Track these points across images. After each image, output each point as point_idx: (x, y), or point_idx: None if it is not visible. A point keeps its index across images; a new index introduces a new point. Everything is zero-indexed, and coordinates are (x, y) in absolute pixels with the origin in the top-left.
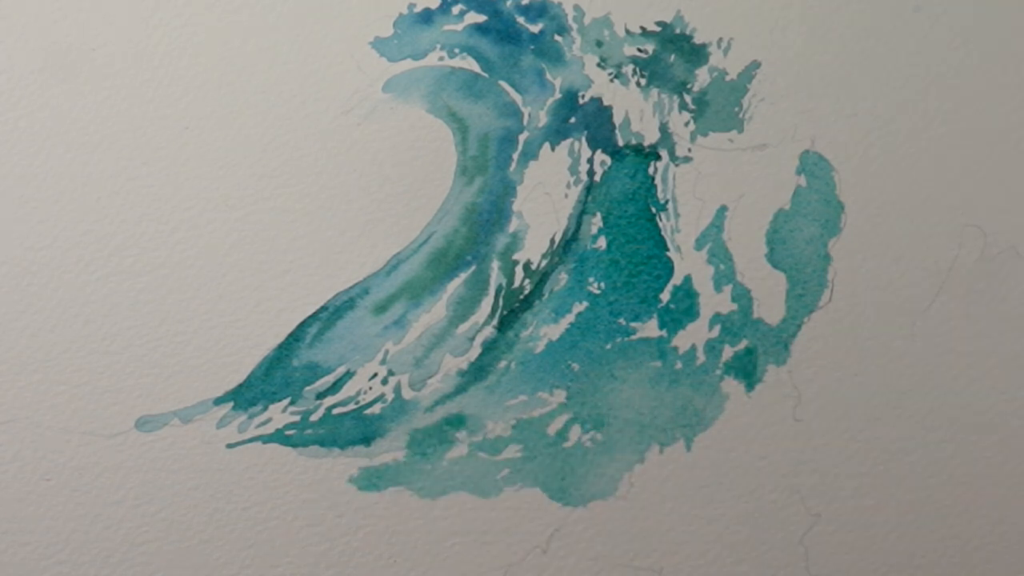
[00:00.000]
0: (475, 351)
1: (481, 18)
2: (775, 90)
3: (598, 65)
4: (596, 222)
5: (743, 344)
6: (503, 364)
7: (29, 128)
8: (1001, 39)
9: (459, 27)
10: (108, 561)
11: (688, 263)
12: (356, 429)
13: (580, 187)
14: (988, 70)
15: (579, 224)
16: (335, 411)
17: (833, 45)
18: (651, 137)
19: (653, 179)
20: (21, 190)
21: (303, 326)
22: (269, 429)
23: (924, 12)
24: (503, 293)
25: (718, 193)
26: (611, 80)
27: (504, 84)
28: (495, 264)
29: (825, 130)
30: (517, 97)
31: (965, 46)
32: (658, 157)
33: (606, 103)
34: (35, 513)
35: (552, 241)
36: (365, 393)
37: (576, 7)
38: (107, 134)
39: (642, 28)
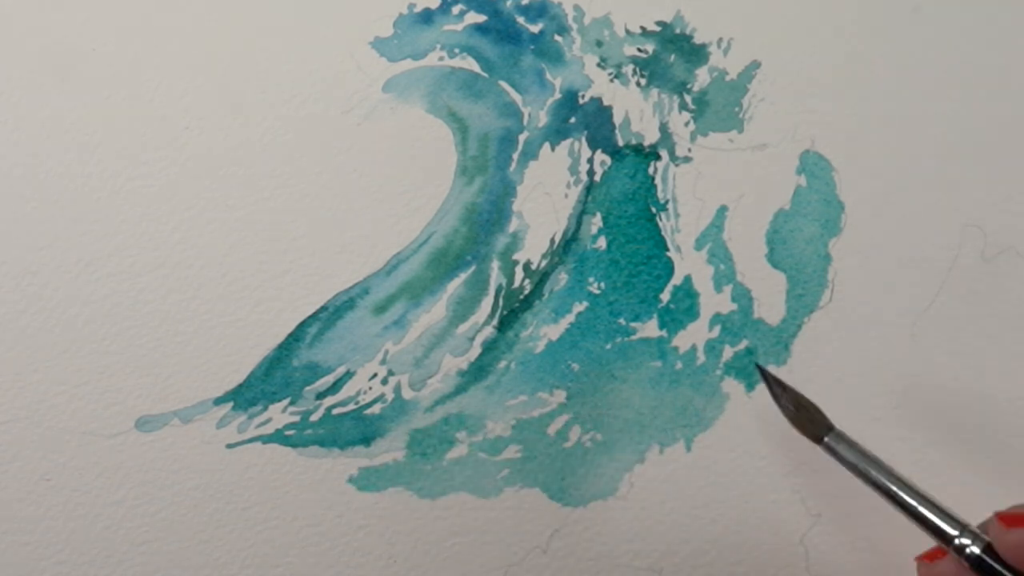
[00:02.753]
0: (475, 351)
1: (481, 18)
2: (775, 90)
3: (598, 65)
4: (596, 222)
5: (743, 344)
6: (503, 364)
7: (29, 128)
8: (1001, 39)
9: (459, 27)
10: (108, 561)
11: (688, 263)
12: (356, 429)
13: (580, 187)
14: (988, 70)
15: (579, 224)
16: (335, 411)
17: (833, 45)
18: (651, 137)
19: (653, 179)
20: (21, 190)
21: (303, 326)
22: (269, 429)
23: (924, 12)
24: (503, 293)
25: (718, 193)
26: (611, 80)
27: (504, 84)
28: (495, 264)
29: (825, 130)
30: (517, 97)
31: (965, 46)
32: (658, 157)
33: (606, 103)
34: (35, 513)
35: (552, 241)
36: (365, 393)
37: (576, 7)
38: (107, 134)
39: (642, 28)
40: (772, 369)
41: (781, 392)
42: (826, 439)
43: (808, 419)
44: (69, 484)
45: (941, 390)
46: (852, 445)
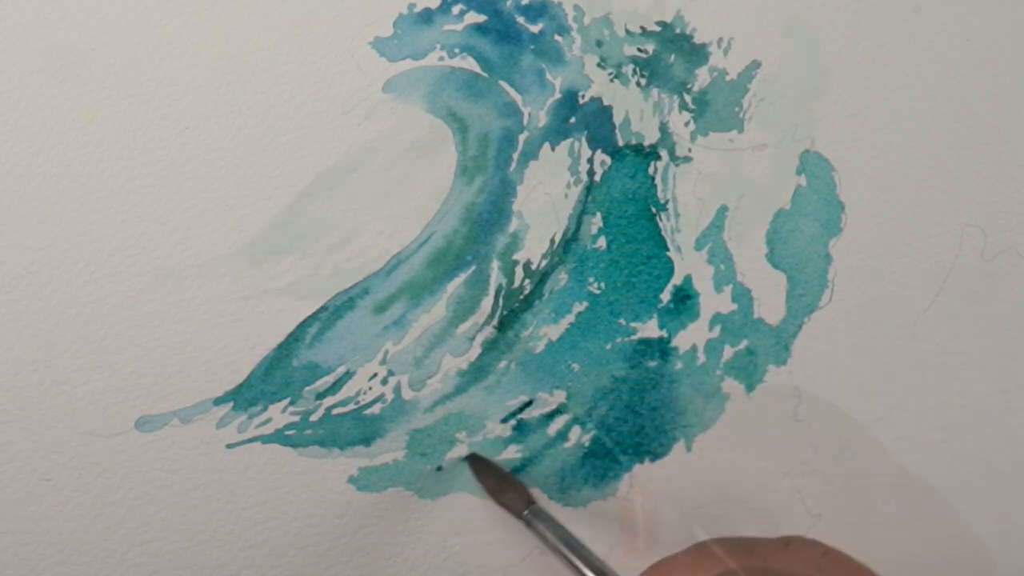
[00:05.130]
0: (475, 351)
1: (481, 18)
2: (775, 90)
3: (598, 65)
4: (596, 222)
5: (743, 344)
6: (503, 364)
7: (29, 128)
8: (1001, 39)
9: (459, 27)
10: (108, 561)
11: (688, 263)
12: (356, 429)
13: (580, 187)
14: (988, 70)
15: (579, 224)
16: (335, 411)
17: (833, 45)
18: (651, 137)
19: (653, 179)
20: (21, 190)
21: (303, 326)
22: (269, 429)
23: (924, 12)
24: (503, 293)
25: (718, 193)
26: (611, 80)
27: (504, 84)
28: (495, 264)
29: (825, 130)
30: (517, 97)
31: (965, 46)
32: (658, 157)
33: (606, 103)
34: (35, 513)
35: (552, 241)
36: (365, 393)
37: (576, 7)
38: (107, 134)
39: (642, 28)
40: (772, 369)
41: (484, 469)
42: (525, 513)
43: (511, 494)
44: (69, 484)
45: (941, 390)
46: (549, 519)
